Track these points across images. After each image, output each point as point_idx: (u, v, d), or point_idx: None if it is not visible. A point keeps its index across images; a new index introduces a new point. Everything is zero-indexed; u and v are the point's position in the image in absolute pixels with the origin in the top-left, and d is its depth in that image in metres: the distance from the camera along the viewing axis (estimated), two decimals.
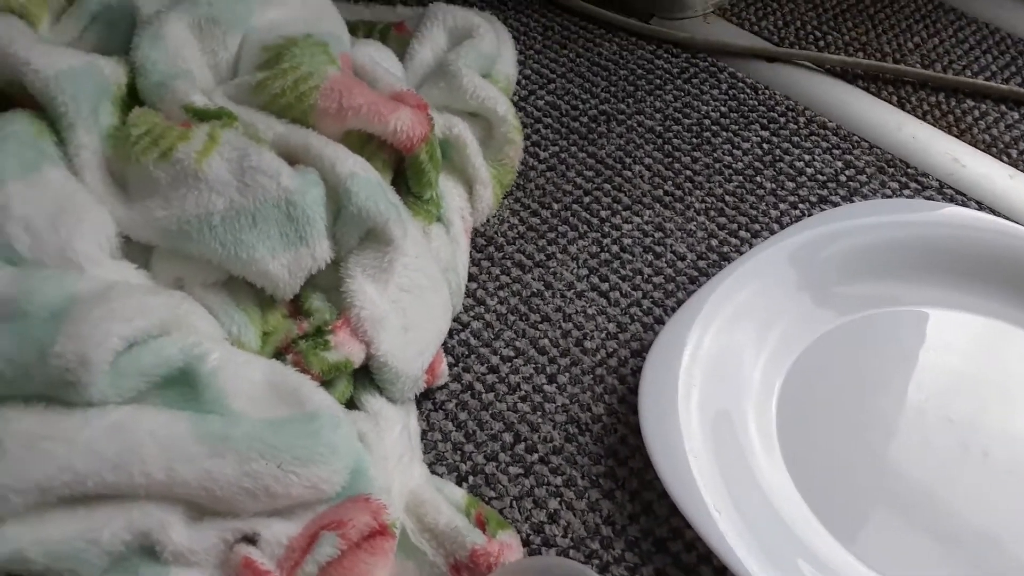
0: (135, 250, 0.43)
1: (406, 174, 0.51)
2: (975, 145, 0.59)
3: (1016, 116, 0.61)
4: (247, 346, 0.42)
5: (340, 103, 0.48)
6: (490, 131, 0.57)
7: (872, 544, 0.41)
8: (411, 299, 0.46)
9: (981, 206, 0.55)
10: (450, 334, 0.50)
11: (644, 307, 0.52)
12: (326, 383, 0.42)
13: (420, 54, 0.60)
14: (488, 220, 0.56)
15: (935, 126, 0.61)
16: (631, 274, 0.54)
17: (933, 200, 0.56)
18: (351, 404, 0.44)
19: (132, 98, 0.48)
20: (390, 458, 0.41)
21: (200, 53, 0.51)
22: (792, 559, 0.41)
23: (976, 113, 0.61)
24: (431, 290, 0.47)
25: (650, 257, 0.54)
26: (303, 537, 0.37)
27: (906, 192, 0.56)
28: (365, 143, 0.50)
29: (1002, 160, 0.58)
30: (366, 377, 0.44)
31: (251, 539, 0.37)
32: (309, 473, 0.37)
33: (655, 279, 0.53)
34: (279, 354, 0.42)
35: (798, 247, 0.50)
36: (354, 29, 0.64)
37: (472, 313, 0.52)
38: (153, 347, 0.37)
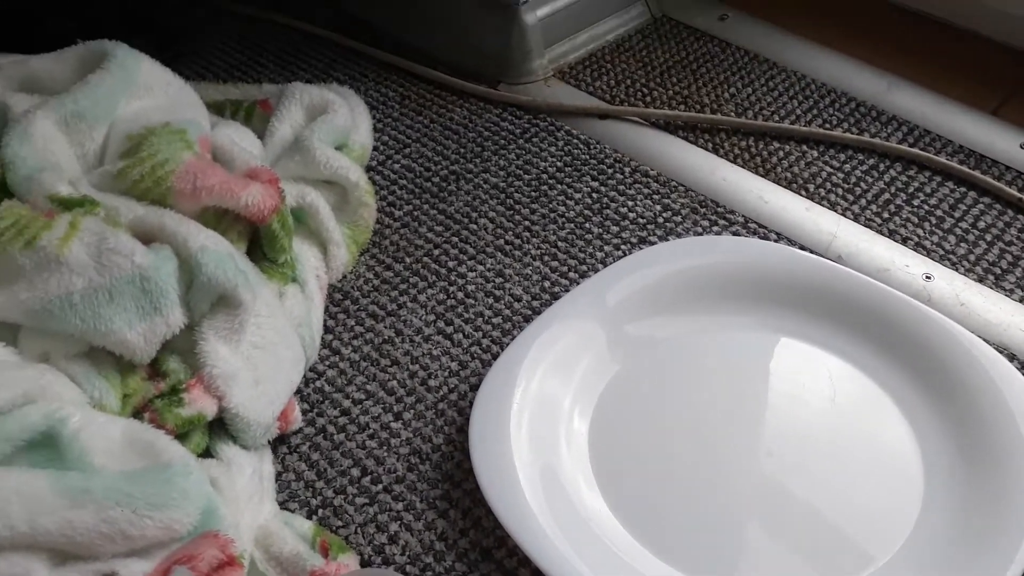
0: (2, 329, 0.48)
1: (261, 242, 0.57)
2: (778, 183, 0.67)
3: (815, 154, 0.69)
4: (108, 408, 0.47)
5: (195, 184, 0.54)
6: (345, 196, 0.64)
7: (678, 549, 0.47)
8: (263, 355, 0.51)
9: (780, 236, 0.63)
10: (306, 382, 0.56)
11: (483, 346, 0.58)
12: (181, 436, 0.47)
13: (279, 131, 0.66)
14: (345, 276, 0.63)
15: (744, 168, 0.68)
16: (473, 317, 0.60)
17: (738, 235, 0.63)
18: (209, 453, 0.49)
19: (3, 192, 0.53)
20: (240, 498, 0.46)
21: (68, 145, 0.57)
22: (601, 560, 0.47)
23: (780, 154, 0.69)
24: (282, 345, 0.53)
25: (491, 300, 0.61)
26: (157, 572, 0.42)
27: (715, 229, 0.64)
28: (221, 217, 0.56)
29: (800, 195, 0.66)
30: (222, 428, 0.50)
31: None
32: (162, 516, 0.42)
33: (494, 320, 0.60)
34: (138, 413, 0.48)
35: (598, 290, 0.57)
36: (221, 107, 0.71)
37: (328, 362, 0.57)
38: (17, 415, 0.43)
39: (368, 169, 0.70)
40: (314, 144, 0.63)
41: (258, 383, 0.50)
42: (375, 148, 0.72)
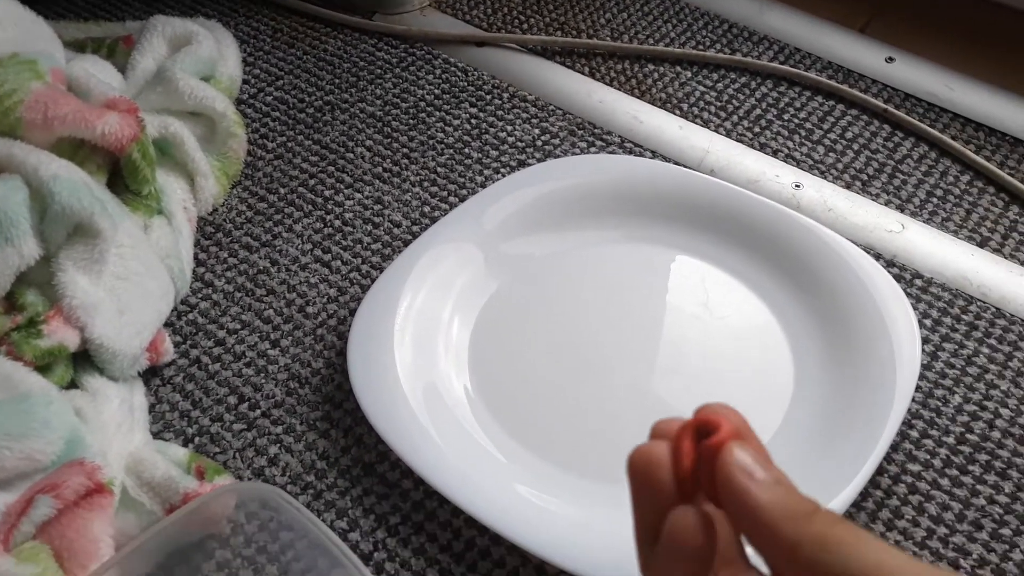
0: None
1: (123, 173, 0.55)
2: (652, 103, 0.68)
3: (688, 75, 0.70)
4: None
5: (46, 114, 0.51)
6: (213, 128, 0.62)
7: (561, 452, 0.48)
8: (127, 285, 0.50)
9: (655, 155, 0.64)
10: (178, 315, 0.54)
11: (363, 271, 0.57)
12: (43, 369, 0.46)
13: (141, 64, 0.64)
14: (216, 209, 0.61)
15: (620, 90, 0.69)
16: (352, 244, 0.59)
17: (615, 154, 0.64)
18: (75, 385, 0.48)
19: None
20: (108, 427, 0.45)
21: None
22: (485, 467, 0.47)
23: (655, 75, 0.70)
24: (148, 276, 0.51)
25: (369, 227, 0.60)
26: (19, 502, 0.40)
27: (592, 150, 0.64)
28: (78, 149, 0.53)
29: (674, 114, 0.67)
30: (88, 360, 0.48)
31: None
32: (22, 446, 0.41)
33: (373, 246, 0.59)
34: None
35: (474, 212, 0.57)
36: (82, 46, 0.68)
37: (200, 295, 0.56)
38: None
39: (239, 102, 0.68)
40: (176, 74, 0.60)
41: (122, 313, 0.49)
42: (246, 81, 0.70)
